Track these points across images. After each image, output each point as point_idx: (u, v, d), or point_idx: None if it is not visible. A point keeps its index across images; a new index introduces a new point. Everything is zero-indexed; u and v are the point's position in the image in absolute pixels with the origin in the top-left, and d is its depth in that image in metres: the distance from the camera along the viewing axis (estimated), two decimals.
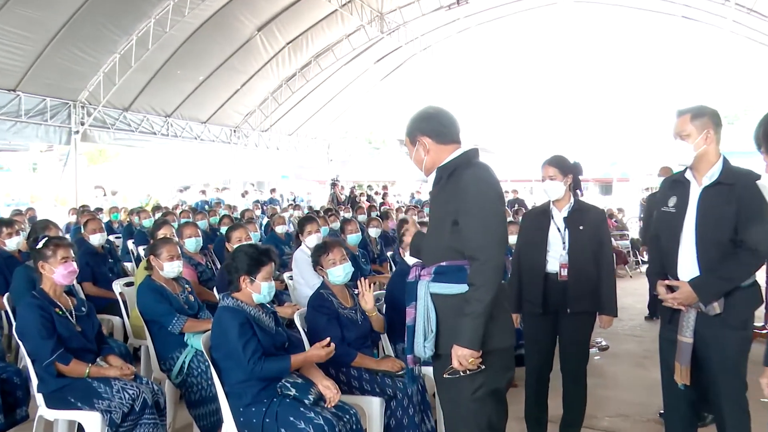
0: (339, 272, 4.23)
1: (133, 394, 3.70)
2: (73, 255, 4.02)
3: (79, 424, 4.00)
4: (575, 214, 4.07)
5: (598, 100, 51.58)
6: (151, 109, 17.98)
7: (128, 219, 11.48)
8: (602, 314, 4.11)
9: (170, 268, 4.73)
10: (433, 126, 2.96)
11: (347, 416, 3.44)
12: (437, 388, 3.05)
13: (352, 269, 4.33)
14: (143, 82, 16.60)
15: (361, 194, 22.26)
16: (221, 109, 20.12)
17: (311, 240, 6.11)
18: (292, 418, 3.31)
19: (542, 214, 4.15)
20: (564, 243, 4.00)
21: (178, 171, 36.39)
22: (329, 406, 3.46)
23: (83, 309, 4.01)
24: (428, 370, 3.25)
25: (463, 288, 2.78)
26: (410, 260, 4.57)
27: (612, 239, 13.49)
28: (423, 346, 2.85)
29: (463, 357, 2.74)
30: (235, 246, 4.98)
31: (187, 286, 4.87)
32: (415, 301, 2.89)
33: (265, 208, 17.90)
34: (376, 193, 22.87)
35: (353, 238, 7.05)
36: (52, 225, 5.62)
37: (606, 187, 36.87)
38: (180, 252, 4.88)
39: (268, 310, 3.76)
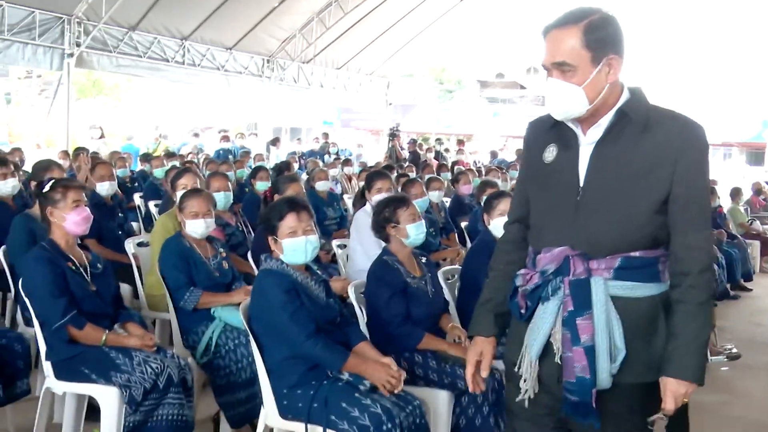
0: (421, 229, 4.61)
1: (157, 368, 4.11)
2: (85, 199, 4.45)
3: (90, 401, 4.48)
4: None
5: (745, 44, 50.90)
6: (164, 29, 18.44)
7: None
8: None
9: (194, 227, 5.12)
10: (622, 40, 2.66)
11: (410, 407, 3.78)
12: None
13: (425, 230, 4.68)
14: None
15: (428, 149, 22.50)
16: (252, 32, 20.49)
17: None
18: (344, 405, 3.66)
19: None
20: None
21: (193, 110, 37.23)
22: (388, 394, 3.77)
23: (99, 266, 4.44)
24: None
25: (655, 288, 2.67)
26: (498, 231, 4.88)
27: (758, 222, 13.44)
28: (609, 373, 2.64)
29: (681, 396, 2.62)
30: None
31: (222, 250, 5.26)
32: (590, 309, 2.65)
33: (303, 161, 18.36)
34: (447, 150, 23.09)
35: (419, 204, 7.34)
36: (56, 166, 6.07)
37: (755, 155, 36.38)
38: (211, 208, 5.27)
39: (318, 277, 4.12)
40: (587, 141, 2.71)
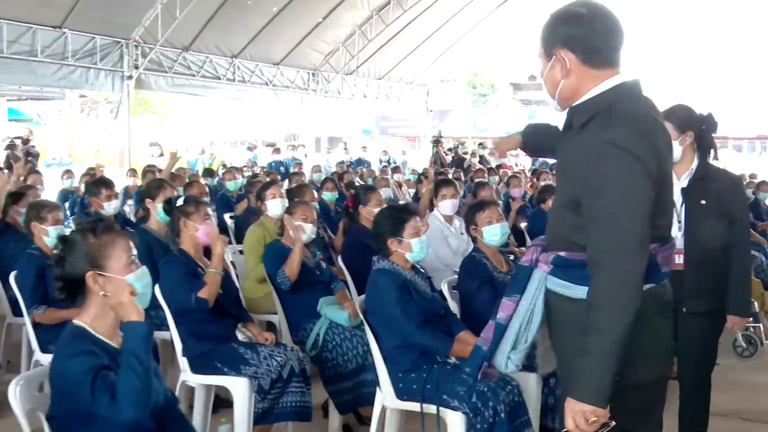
0: (495, 231, 5.02)
1: (281, 361, 4.60)
2: (211, 213, 4.98)
3: (216, 393, 4.99)
4: (697, 183, 4.09)
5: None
6: (215, 48, 19.11)
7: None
8: (730, 314, 4.21)
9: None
10: (582, 34, 2.58)
11: (509, 387, 4.22)
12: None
13: (508, 231, 5.11)
14: (207, 15, 17.63)
15: (472, 154, 22.89)
16: (298, 47, 21.10)
17: (446, 206, 6.93)
18: (454, 385, 4.13)
19: None
20: (680, 222, 4.04)
21: (236, 124, 37.83)
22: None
23: (221, 272, 4.94)
24: None
25: (585, 292, 2.57)
26: None
27: None
28: (507, 358, 2.76)
29: (580, 414, 2.46)
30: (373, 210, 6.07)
31: (318, 252, 5.76)
32: (520, 294, 2.76)
33: (352, 170, 18.84)
34: (491, 154, 23.44)
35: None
36: (167, 184, 6.56)
37: None
38: (315, 215, 5.78)
39: (423, 274, 4.61)
40: None
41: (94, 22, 15.85)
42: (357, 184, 12.76)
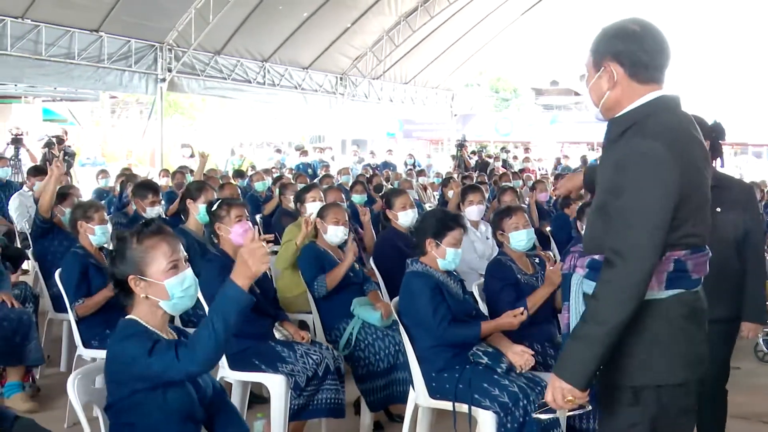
0: (522, 237, 5.09)
1: (317, 359, 4.69)
2: (247, 214, 5.07)
3: (252, 391, 5.08)
4: (711, 192, 4.33)
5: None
6: (246, 52, 19.31)
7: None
8: (746, 321, 4.23)
9: (334, 232, 5.72)
10: (632, 50, 2.69)
11: (538, 388, 4.28)
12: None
13: (534, 236, 5.18)
14: (239, 19, 17.81)
15: (496, 158, 22.92)
16: (327, 51, 21.27)
17: (472, 212, 7.00)
18: (485, 385, 4.20)
19: None
20: None
21: (263, 126, 38.04)
22: (520, 372, 4.32)
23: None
24: None
25: None
26: None
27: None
28: None
29: (559, 390, 2.64)
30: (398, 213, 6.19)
31: None
32: (568, 301, 2.88)
33: (378, 172, 18.93)
34: (515, 158, 23.47)
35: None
36: (209, 186, 6.64)
37: None
38: (347, 219, 5.86)
39: (455, 277, 4.69)
40: None
41: (130, 27, 16.09)
42: (384, 187, 12.88)
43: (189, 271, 3.08)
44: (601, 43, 2.76)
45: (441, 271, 4.62)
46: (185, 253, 3.14)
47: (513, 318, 4.40)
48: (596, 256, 2.75)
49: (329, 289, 5.47)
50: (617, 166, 2.62)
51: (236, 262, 2.83)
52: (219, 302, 2.80)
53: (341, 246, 5.80)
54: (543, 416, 2.85)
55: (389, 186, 13.07)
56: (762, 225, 4.38)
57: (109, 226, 5.63)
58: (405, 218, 6.55)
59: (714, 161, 4.08)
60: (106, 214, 5.67)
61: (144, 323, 2.99)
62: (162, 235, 3.07)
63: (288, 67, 20.69)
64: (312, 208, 6.67)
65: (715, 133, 4.10)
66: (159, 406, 2.87)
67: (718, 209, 3.98)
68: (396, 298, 4.68)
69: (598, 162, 2.93)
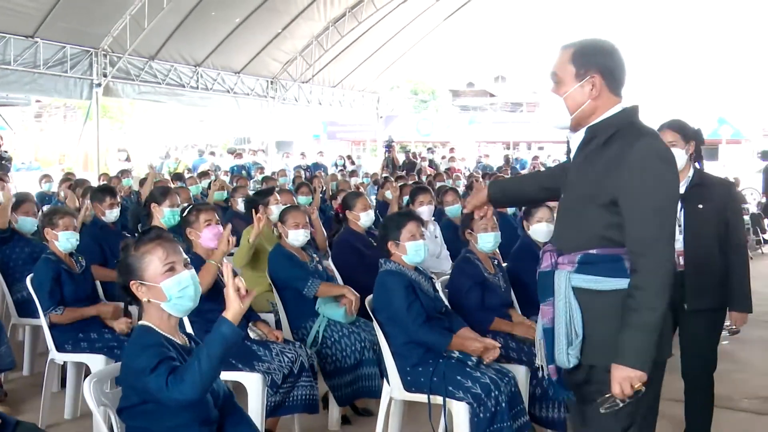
0: (489, 239, 5.21)
1: (292, 357, 4.72)
2: (217, 218, 5.07)
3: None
4: (695, 189, 4.26)
5: (701, 44, 51.92)
6: (179, 57, 19.00)
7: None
8: (733, 310, 4.36)
9: (296, 236, 5.70)
10: (611, 65, 2.92)
11: (506, 378, 4.40)
12: (573, 409, 3.27)
13: (500, 239, 5.29)
14: (173, 25, 17.54)
15: (422, 158, 23.11)
16: (258, 56, 21.08)
17: (423, 212, 7.02)
18: (459, 377, 4.29)
19: None
20: (680, 226, 4.17)
21: (192, 129, 37.61)
22: (488, 362, 4.42)
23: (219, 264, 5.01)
24: None
25: (621, 283, 2.83)
26: (537, 235, 5.54)
27: None
28: (567, 354, 2.88)
29: (626, 380, 2.74)
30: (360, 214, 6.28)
31: (315, 255, 5.87)
32: (553, 297, 2.94)
33: (308, 174, 18.93)
34: (443, 158, 23.70)
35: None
36: (174, 191, 6.54)
37: (710, 152, 37.13)
38: (308, 221, 5.88)
39: (426, 275, 4.76)
40: (573, 151, 3.05)
41: (65, 32, 15.68)
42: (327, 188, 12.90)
43: (187, 273, 3.08)
44: (587, 56, 2.90)
45: (412, 269, 4.69)
46: (186, 256, 3.15)
47: (480, 344, 4.47)
48: (592, 251, 2.87)
49: (316, 294, 5.45)
50: (631, 166, 2.77)
51: (226, 301, 2.85)
52: (210, 337, 2.82)
53: (304, 247, 5.82)
54: (607, 409, 2.82)
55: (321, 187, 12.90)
56: (742, 219, 4.57)
57: (74, 233, 5.49)
58: (366, 218, 6.59)
59: (695, 162, 4.34)
60: (73, 220, 5.52)
61: (156, 328, 3.00)
62: (159, 240, 3.08)
63: (221, 72, 20.47)
64: (275, 211, 6.66)
65: (698, 138, 4.35)
66: (174, 412, 2.88)
67: (700, 205, 4.22)
68: (370, 296, 4.74)
69: (578, 165, 2.99)
